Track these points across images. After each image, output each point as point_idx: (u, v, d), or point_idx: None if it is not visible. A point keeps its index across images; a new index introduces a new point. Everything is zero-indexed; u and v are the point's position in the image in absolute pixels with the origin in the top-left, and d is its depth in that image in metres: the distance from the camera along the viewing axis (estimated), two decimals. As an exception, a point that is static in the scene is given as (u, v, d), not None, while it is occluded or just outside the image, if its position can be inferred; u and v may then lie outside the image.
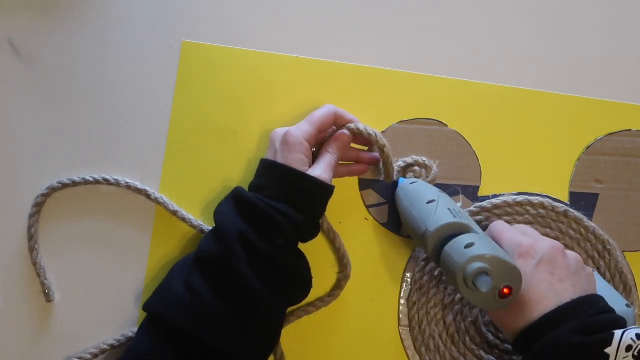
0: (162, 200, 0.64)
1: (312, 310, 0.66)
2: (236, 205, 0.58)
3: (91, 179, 0.64)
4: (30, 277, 0.64)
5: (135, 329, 0.64)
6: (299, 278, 0.60)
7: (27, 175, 0.65)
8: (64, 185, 0.64)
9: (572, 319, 0.49)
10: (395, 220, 0.67)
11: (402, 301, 0.67)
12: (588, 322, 0.48)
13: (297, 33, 0.68)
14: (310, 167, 0.60)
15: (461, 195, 0.68)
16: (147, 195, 0.64)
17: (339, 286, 0.66)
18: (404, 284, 0.67)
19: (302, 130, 0.60)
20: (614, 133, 0.69)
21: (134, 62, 0.66)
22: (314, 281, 0.62)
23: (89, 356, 0.63)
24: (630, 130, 0.69)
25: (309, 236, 0.62)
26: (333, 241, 0.66)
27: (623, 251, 0.67)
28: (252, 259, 0.56)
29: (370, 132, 0.63)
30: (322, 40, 0.68)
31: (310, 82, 0.67)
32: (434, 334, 0.66)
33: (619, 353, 0.45)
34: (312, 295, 0.63)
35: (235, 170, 0.66)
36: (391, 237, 0.67)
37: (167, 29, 0.67)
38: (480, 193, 0.68)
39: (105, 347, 0.64)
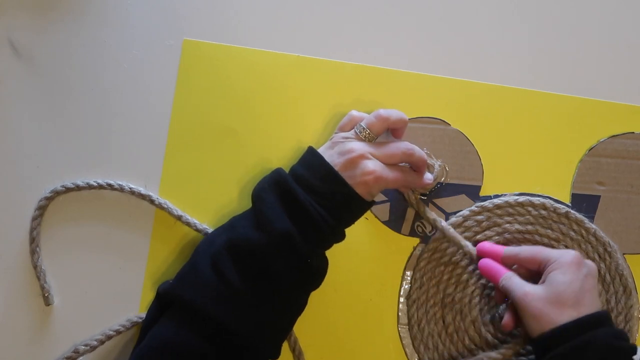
0: (165, 206, 0.64)
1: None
2: (286, 203, 0.57)
3: (95, 184, 0.64)
4: (31, 279, 0.64)
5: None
6: (322, 276, 0.61)
7: (29, 178, 0.64)
8: (68, 189, 0.64)
9: (607, 325, 0.59)
10: (396, 218, 0.67)
11: (401, 299, 0.67)
12: (620, 330, 0.60)
13: (298, 31, 0.67)
14: None
15: (463, 195, 0.68)
16: (151, 201, 0.64)
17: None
18: (404, 282, 0.67)
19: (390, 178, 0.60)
20: (617, 135, 0.69)
21: (134, 62, 0.65)
22: None
23: (95, 343, 0.63)
24: (633, 132, 0.69)
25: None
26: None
27: (623, 253, 0.68)
28: (290, 259, 0.57)
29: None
30: (323, 39, 0.67)
31: (311, 80, 0.67)
32: (432, 332, 0.67)
33: None
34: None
35: (237, 170, 0.66)
36: (392, 235, 0.67)
37: (167, 28, 0.66)
38: (482, 193, 0.68)
39: (112, 333, 0.63)
